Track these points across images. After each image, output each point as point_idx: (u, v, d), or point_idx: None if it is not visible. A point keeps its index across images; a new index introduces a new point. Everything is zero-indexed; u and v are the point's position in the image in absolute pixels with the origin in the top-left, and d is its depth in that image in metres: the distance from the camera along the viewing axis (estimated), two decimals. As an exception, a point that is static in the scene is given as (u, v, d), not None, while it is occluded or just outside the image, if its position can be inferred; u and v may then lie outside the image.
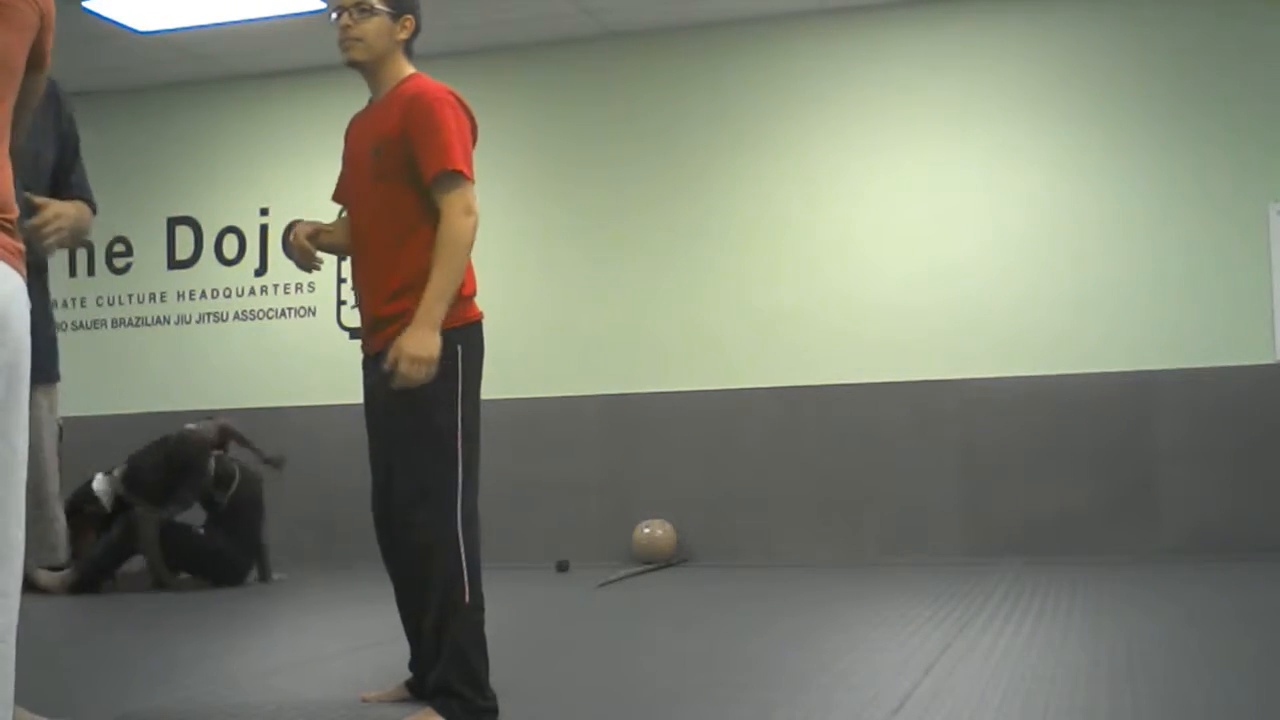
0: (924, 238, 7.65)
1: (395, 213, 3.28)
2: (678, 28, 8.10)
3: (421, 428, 3.22)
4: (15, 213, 1.86)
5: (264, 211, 8.77)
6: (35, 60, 1.97)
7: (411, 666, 3.56)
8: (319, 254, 3.53)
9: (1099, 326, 7.34)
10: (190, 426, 7.31)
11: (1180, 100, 7.35)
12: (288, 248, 3.53)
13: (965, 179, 7.64)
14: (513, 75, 8.34)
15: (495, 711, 3.23)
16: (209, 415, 7.55)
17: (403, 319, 3.21)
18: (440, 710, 3.19)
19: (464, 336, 3.28)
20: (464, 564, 3.20)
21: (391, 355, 3.12)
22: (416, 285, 3.20)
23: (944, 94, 7.71)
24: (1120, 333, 7.30)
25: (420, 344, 3.10)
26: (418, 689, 3.50)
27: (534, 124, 8.28)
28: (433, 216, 3.24)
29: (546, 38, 8.25)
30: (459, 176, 3.21)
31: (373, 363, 3.37)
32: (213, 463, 7.25)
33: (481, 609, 3.25)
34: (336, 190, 3.57)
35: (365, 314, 3.40)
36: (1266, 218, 7.19)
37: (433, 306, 3.14)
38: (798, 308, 7.80)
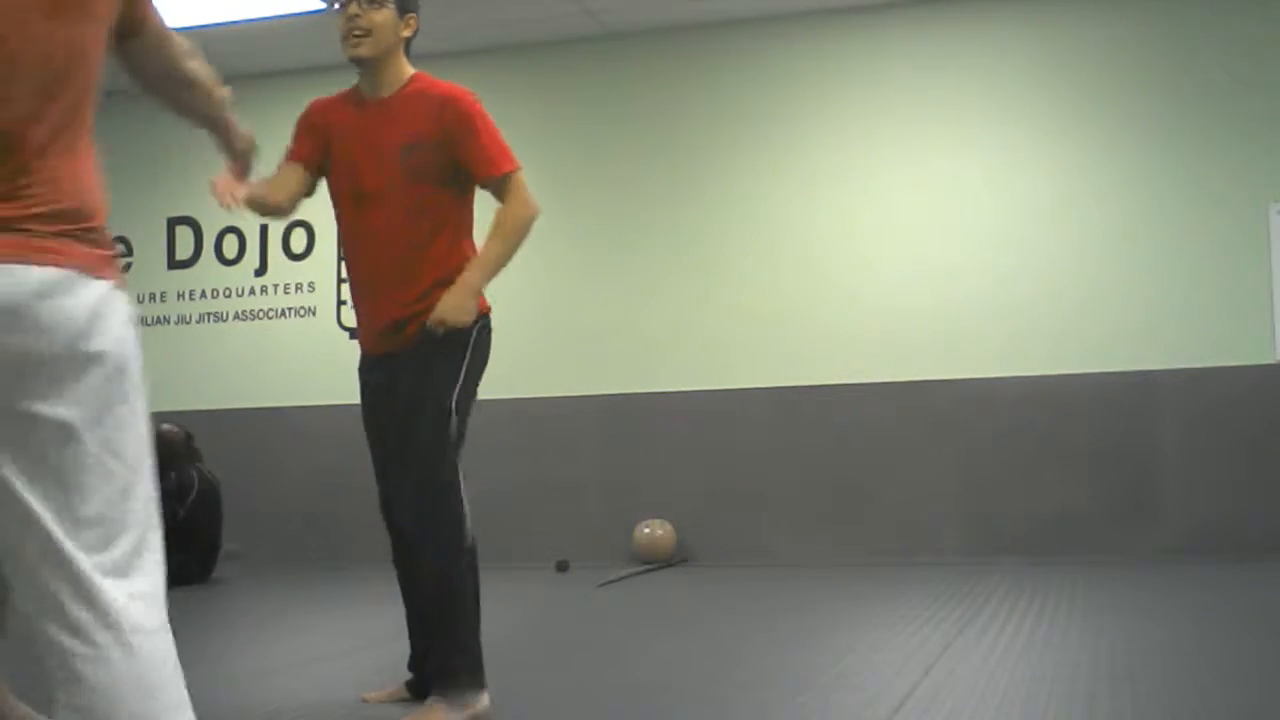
0: (923, 237, 7.65)
1: (426, 213, 3.30)
2: (677, 28, 8.10)
3: (425, 404, 3.25)
4: (99, 220, 1.79)
5: (264, 211, 8.77)
6: (131, 27, 1.91)
7: (411, 666, 3.57)
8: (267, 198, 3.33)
9: (1099, 326, 7.34)
10: (165, 427, 7.24)
11: (1181, 100, 7.35)
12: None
13: (965, 179, 7.64)
14: (513, 75, 8.34)
15: (480, 672, 3.27)
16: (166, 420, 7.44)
17: (425, 315, 3.24)
18: (443, 679, 3.21)
19: (480, 323, 3.34)
20: (460, 542, 3.23)
21: (433, 319, 3.21)
22: (444, 282, 3.26)
23: (943, 94, 7.71)
24: (1120, 333, 7.30)
25: (456, 309, 3.21)
26: (417, 688, 3.51)
27: (534, 124, 8.27)
28: (457, 217, 3.34)
29: (546, 38, 8.25)
30: (517, 174, 3.34)
31: (384, 361, 3.34)
32: (174, 474, 7.16)
33: (475, 553, 3.30)
34: (338, 168, 3.41)
35: (382, 314, 3.35)
36: (1266, 218, 7.19)
37: (476, 275, 3.26)
38: (797, 308, 7.80)
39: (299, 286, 8.67)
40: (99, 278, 1.77)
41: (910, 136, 7.74)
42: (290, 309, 8.72)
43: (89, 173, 1.79)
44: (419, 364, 3.26)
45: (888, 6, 7.79)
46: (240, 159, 2.51)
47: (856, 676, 3.83)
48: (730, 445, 7.82)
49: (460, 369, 3.28)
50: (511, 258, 3.35)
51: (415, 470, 3.24)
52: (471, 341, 3.31)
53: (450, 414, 3.26)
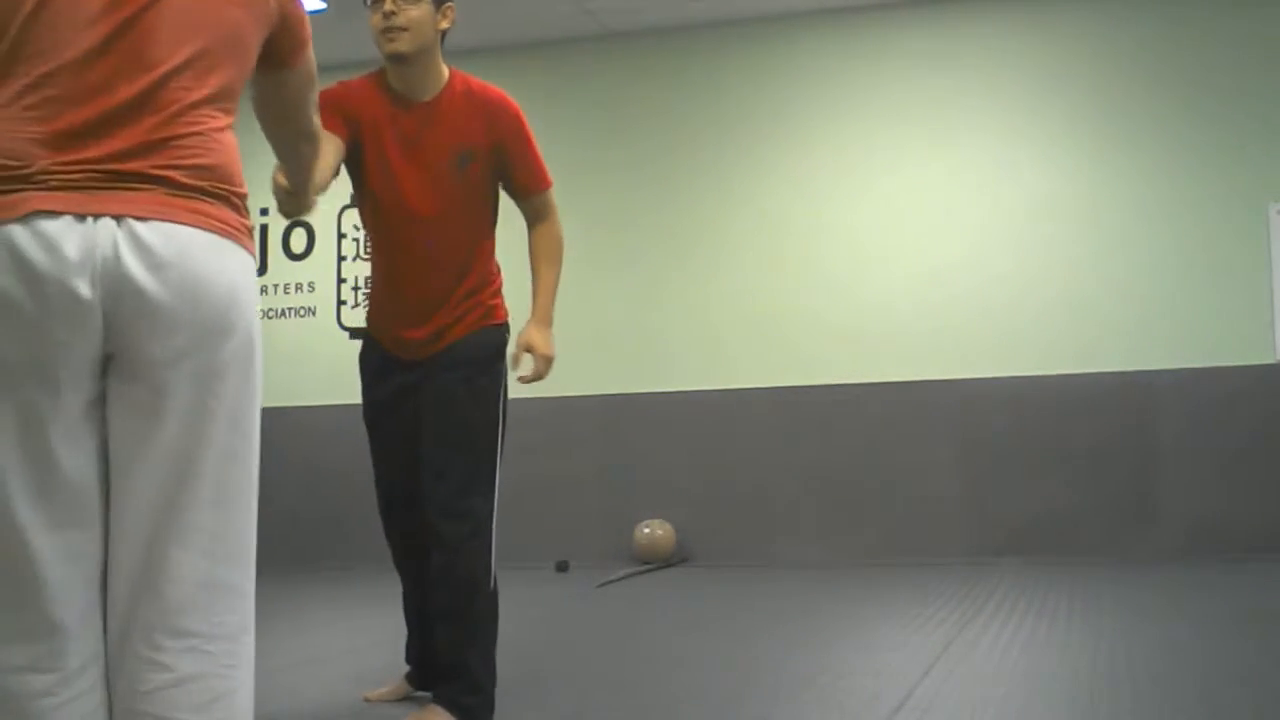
0: (923, 237, 7.65)
1: (474, 220, 3.27)
2: (678, 28, 8.10)
3: (481, 420, 3.22)
4: (242, 189, 1.77)
5: (264, 211, 8.74)
6: (287, 53, 1.90)
7: (408, 658, 3.57)
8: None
9: (1099, 326, 7.34)
10: None
11: (1180, 101, 7.35)
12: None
13: (965, 179, 7.65)
14: (513, 75, 8.30)
15: (491, 709, 3.25)
16: None
17: (464, 320, 3.24)
18: (454, 710, 3.18)
19: (508, 333, 3.34)
20: (492, 551, 3.21)
21: (523, 349, 3.22)
22: (482, 287, 3.27)
23: (943, 94, 7.71)
24: (1120, 333, 7.31)
25: (551, 344, 3.24)
26: (417, 679, 3.51)
27: (534, 124, 8.21)
28: (493, 221, 3.32)
29: (546, 38, 8.25)
30: (550, 189, 3.37)
31: (411, 365, 3.28)
32: None
33: (497, 596, 3.27)
34: (375, 177, 3.22)
35: (424, 322, 3.24)
36: (1266, 218, 7.19)
37: (551, 306, 3.29)
38: (797, 307, 7.80)
39: (299, 286, 8.67)
40: (242, 248, 1.74)
41: (910, 137, 7.74)
42: (290, 309, 8.72)
43: (234, 149, 1.78)
44: (464, 374, 3.21)
45: (888, 7, 7.79)
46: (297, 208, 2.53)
47: (856, 676, 3.83)
48: (731, 445, 7.82)
49: (502, 381, 3.28)
50: None
51: (461, 477, 3.18)
52: (506, 355, 3.31)
53: (499, 424, 3.25)
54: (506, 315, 3.34)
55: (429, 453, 3.20)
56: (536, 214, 3.36)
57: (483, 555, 3.18)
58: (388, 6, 3.09)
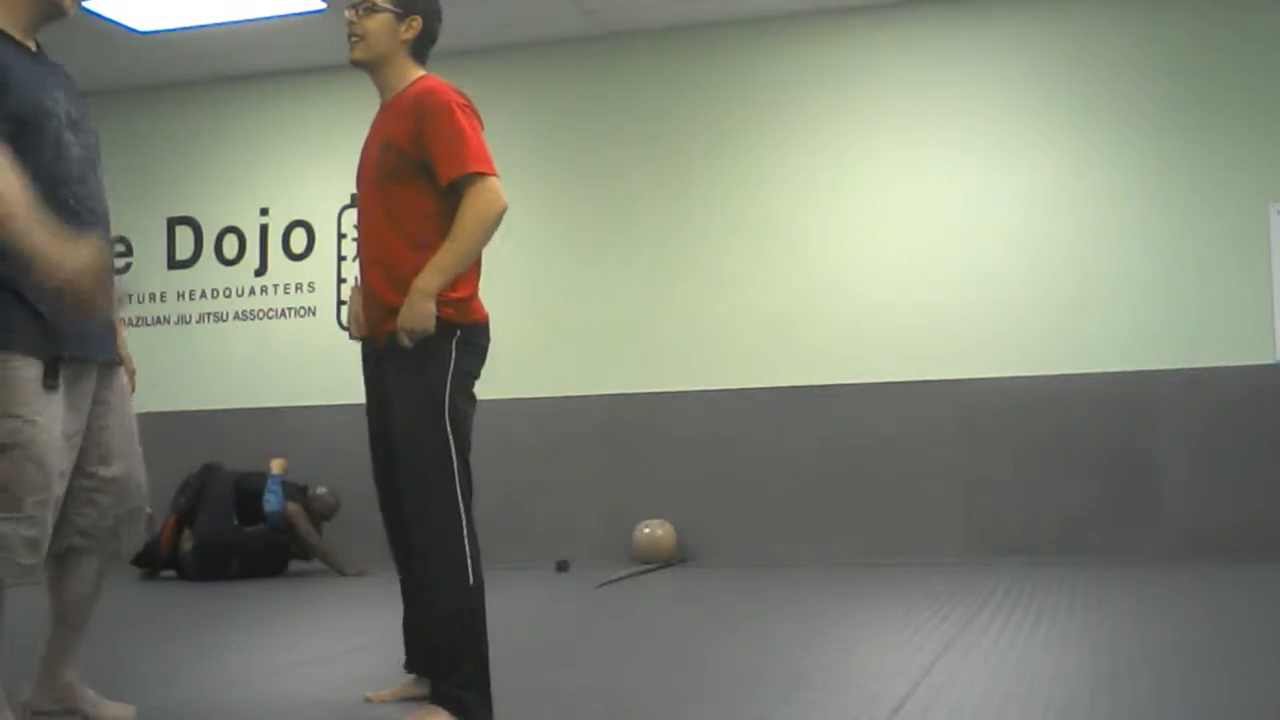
0: (923, 238, 7.65)
1: (404, 215, 3.23)
2: (677, 28, 8.09)
3: (418, 417, 3.19)
4: None
5: (264, 211, 8.77)
6: None
7: (407, 667, 3.56)
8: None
9: (1099, 327, 7.34)
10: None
11: (1180, 100, 7.35)
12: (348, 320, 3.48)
13: (965, 180, 7.64)
14: (513, 75, 8.34)
15: (489, 706, 3.24)
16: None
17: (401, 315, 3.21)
18: (450, 707, 3.17)
19: (465, 334, 3.25)
20: (467, 548, 3.18)
21: (399, 335, 3.14)
22: (404, 282, 3.20)
23: (943, 95, 7.71)
24: (1120, 333, 7.30)
25: (414, 317, 3.11)
26: (419, 687, 3.51)
27: (534, 124, 8.27)
28: (447, 224, 3.21)
29: (546, 38, 8.25)
30: (480, 176, 3.17)
31: (376, 351, 3.35)
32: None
33: (482, 590, 3.23)
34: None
35: (373, 303, 3.32)
36: (1266, 218, 7.19)
37: (432, 277, 3.12)
38: (797, 308, 7.80)
39: (299, 286, 8.67)
40: None
41: (911, 136, 7.73)
42: (290, 309, 8.71)
43: None
44: (403, 381, 3.21)
45: (886, 7, 7.79)
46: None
47: (856, 676, 3.83)
48: (731, 445, 7.82)
49: (444, 389, 3.18)
50: (471, 256, 3.18)
51: (413, 500, 3.18)
52: (452, 358, 3.21)
53: (444, 423, 3.18)
54: (469, 320, 3.25)
55: (390, 467, 3.30)
56: (461, 198, 3.17)
57: (450, 551, 3.15)
58: (348, 17, 3.36)
